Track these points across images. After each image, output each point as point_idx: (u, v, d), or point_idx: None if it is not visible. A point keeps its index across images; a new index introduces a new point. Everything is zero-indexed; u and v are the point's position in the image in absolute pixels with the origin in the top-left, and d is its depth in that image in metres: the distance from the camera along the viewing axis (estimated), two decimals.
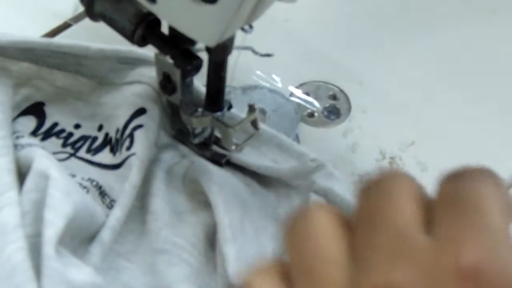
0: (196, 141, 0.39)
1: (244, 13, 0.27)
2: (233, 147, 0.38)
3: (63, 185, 0.32)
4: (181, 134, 0.40)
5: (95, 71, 0.39)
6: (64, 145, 0.39)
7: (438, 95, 0.49)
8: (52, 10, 0.50)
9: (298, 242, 0.23)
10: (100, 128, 0.39)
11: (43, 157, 0.34)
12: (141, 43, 0.32)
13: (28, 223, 0.30)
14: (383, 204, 0.21)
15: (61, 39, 0.39)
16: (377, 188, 0.22)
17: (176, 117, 0.38)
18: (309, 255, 0.22)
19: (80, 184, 0.36)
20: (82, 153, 0.38)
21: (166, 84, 0.36)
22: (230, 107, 0.37)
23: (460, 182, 0.20)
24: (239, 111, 0.39)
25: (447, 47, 0.52)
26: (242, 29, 0.31)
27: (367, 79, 0.49)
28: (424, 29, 0.54)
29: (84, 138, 0.39)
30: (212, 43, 0.28)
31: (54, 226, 0.30)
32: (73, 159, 0.38)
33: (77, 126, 0.39)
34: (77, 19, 0.49)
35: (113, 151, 0.38)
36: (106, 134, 0.39)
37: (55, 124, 0.39)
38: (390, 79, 0.49)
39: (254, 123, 0.38)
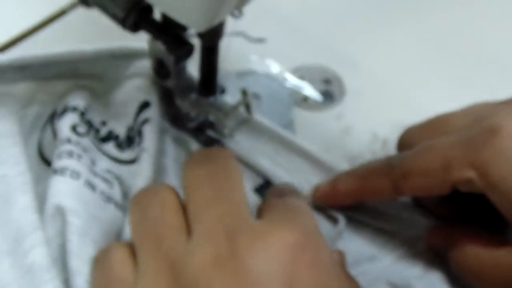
0: (191, 125, 0.40)
1: None
2: (227, 132, 0.39)
3: (78, 226, 0.31)
4: (176, 119, 0.40)
5: (93, 71, 0.40)
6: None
7: (432, 78, 0.49)
8: None
9: (146, 212, 0.29)
10: (104, 123, 0.39)
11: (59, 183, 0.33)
12: (133, 29, 0.33)
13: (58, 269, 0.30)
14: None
15: (54, 48, 0.38)
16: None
17: (171, 102, 0.39)
18: (156, 221, 0.28)
19: (104, 178, 0.35)
20: (92, 136, 0.38)
21: (159, 69, 0.37)
22: (222, 91, 0.38)
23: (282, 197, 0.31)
24: (233, 96, 0.40)
25: (440, 30, 0.53)
26: (232, 14, 0.31)
27: (361, 62, 0.49)
28: (419, 12, 0.54)
29: (90, 125, 0.38)
30: (201, 28, 0.28)
31: (81, 274, 0.30)
32: (87, 140, 0.37)
33: (86, 109, 0.39)
34: (73, 6, 0.49)
35: (120, 147, 0.38)
36: (110, 131, 0.39)
37: None
38: (384, 63, 0.49)
39: (247, 108, 0.39)
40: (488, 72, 0.49)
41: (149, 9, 0.33)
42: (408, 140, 0.36)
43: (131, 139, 0.38)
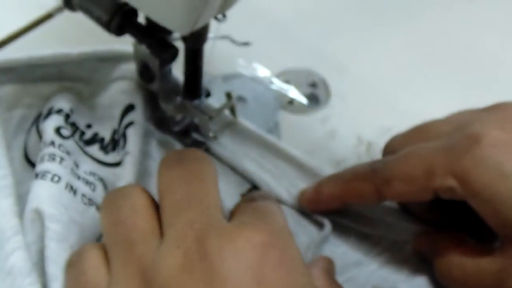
0: (176, 129, 0.40)
1: (215, 2, 0.28)
2: (211, 134, 0.39)
3: (56, 232, 0.31)
4: (161, 122, 0.41)
5: (78, 74, 0.40)
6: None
7: (417, 82, 0.49)
8: (36, 0, 0.50)
9: (117, 216, 0.29)
10: (89, 126, 0.39)
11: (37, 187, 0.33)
12: (118, 32, 0.33)
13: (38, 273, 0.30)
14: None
15: (39, 51, 0.38)
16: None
17: (156, 105, 0.39)
18: (128, 226, 0.28)
19: (86, 181, 0.35)
20: (76, 138, 0.38)
21: (144, 73, 0.37)
22: (208, 95, 0.38)
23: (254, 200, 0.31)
24: (219, 99, 0.40)
25: (427, 34, 0.53)
26: (216, 18, 0.31)
27: (347, 66, 0.49)
28: (404, 17, 0.55)
29: (75, 127, 0.38)
30: (185, 32, 0.29)
31: (57, 280, 0.30)
32: (72, 141, 0.37)
33: (71, 111, 0.39)
34: (60, 9, 0.49)
35: (105, 150, 0.38)
36: (95, 134, 0.39)
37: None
38: (369, 67, 0.50)
39: (232, 111, 0.39)
40: (475, 77, 0.50)
41: (133, 12, 0.33)
42: (393, 147, 0.37)
43: (116, 142, 0.38)
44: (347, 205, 0.37)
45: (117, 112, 0.38)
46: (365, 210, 0.38)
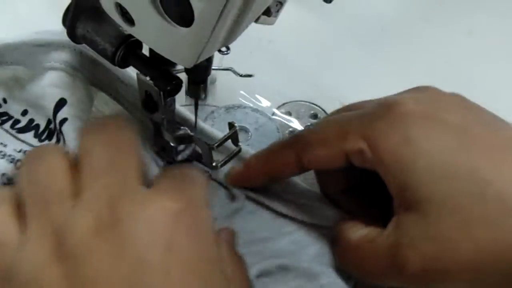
0: (179, 158, 0.40)
1: (219, 36, 0.28)
2: (214, 164, 0.39)
3: None
4: (164, 151, 0.41)
5: (15, 58, 0.39)
6: None
7: None
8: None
9: (34, 175, 0.28)
10: (25, 113, 0.39)
11: None
12: (123, 64, 0.33)
13: None
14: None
15: None
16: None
17: (159, 134, 0.39)
18: (43, 186, 0.28)
19: (12, 158, 0.35)
20: (7, 126, 0.38)
21: (148, 103, 0.37)
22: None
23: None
24: (222, 129, 0.41)
25: (427, 68, 0.54)
26: (219, 51, 0.32)
27: (347, 98, 0.50)
28: (404, 50, 0.55)
29: (7, 115, 0.38)
30: (189, 65, 0.29)
31: None
32: (0, 130, 0.37)
33: (4, 101, 0.39)
34: None
35: (39, 137, 0.38)
36: (31, 120, 0.38)
37: None
38: (369, 98, 0.50)
39: (234, 140, 0.40)
40: None
41: (137, 44, 0.34)
42: None
43: (51, 133, 0.38)
44: (274, 179, 0.37)
45: (49, 104, 0.38)
46: (291, 195, 0.38)
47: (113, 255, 0.25)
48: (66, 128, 0.37)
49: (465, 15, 0.59)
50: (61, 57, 0.39)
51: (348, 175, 0.36)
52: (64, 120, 0.38)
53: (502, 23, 0.59)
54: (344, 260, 0.34)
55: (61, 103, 0.38)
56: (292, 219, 0.38)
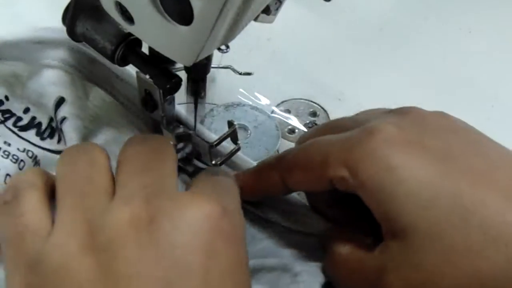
0: (179, 156, 0.41)
1: (219, 34, 0.28)
2: (214, 162, 0.39)
3: None
4: None
5: (13, 55, 0.39)
6: None
7: None
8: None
9: (74, 167, 0.28)
10: (27, 110, 0.39)
11: None
12: (122, 63, 0.33)
13: None
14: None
15: None
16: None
17: (158, 133, 0.39)
18: (83, 177, 0.28)
19: (16, 158, 0.35)
20: (10, 124, 0.38)
21: (147, 101, 0.37)
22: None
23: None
24: (221, 128, 0.41)
25: (424, 65, 0.54)
26: (219, 49, 0.32)
27: (346, 96, 0.50)
28: (403, 49, 0.56)
29: (10, 112, 0.38)
30: (188, 63, 0.29)
31: None
32: (3, 126, 0.37)
33: (6, 98, 0.39)
34: None
35: (41, 135, 0.38)
36: (33, 118, 0.39)
37: None
38: (368, 96, 0.50)
39: (233, 139, 0.40)
40: (473, 105, 0.50)
41: (137, 42, 0.34)
42: (304, 141, 0.37)
43: (53, 130, 0.38)
44: (262, 198, 0.38)
45: (50, 102, 0.38)
46: (280, 204, 0.39)
47: (149, 253, 0.25)
48: (66, 127, 0.37)
49: (464, 14, 0.59)
50: (58, 55, 0.39)
51: (335, 189, 0.36)
52: (63, 119, 0.38)
53: (501, 22, 0.59)
54: (332, 271, 0.34)
55: (60, 102, 0.38)
56: (271, 223, 0.38)
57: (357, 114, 0.37)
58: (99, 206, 0.27)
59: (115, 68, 0.40)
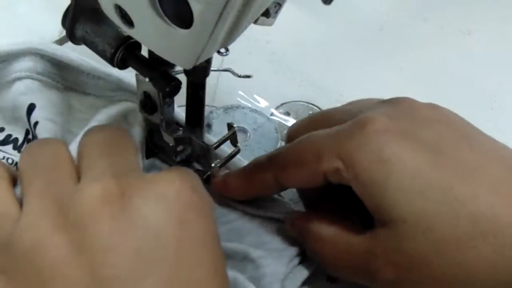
0: (178, 158, 0.40)
1: (218, 38, 0.28)
2: (213, 165, 0.39)
3: None
4: (163, 152, 0.41)
5: None
6: None
7: None
8: (38, 32, 0.51)
9: (38, 158, 0.29)
10: (1, 130, 0.40)
11: None
12: (122, 65, 0.33)
13: None
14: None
15: None
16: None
17: (158, 135, 0.39)
18: (47, 167, 0.28)
19: None
20: None
21: (147, 104, 0.37)
22: (209, 126, 0.38)
23: None
24: (220, 130, 0.41)
25: (424, 67, 0.54)
26: (219, 52, 0.32)
27: (345, 98, 0.50)
28: (403, 50, 0.56)
29: None
30: (188, 66, 0.29)
31: None
32: None
33: None
34: (62, 41, 0.50)
35: (19, 150, 0.39)
36: (9, 135, 0.39)
37: None
38: (367, 98, 0.50)
39: (233, 141, 0.40)
40: (472, 106, 0.50)
41: (136, 45, 0.34)
42: (293, 134, 0.38)
43: (30, 142, 0.39)
44: (254, 197, 0.38)
45: (23, 113, 0.39)
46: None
47: (122, 225, 0.25)
48: (38, 131, 0.38)
49: (463, 15, 0.59)
50: (24, 66, 0.39)
51: (328, 184, 0.36)
52: (35, 123, 0.38)
53: (500, 23, 0.59)
54: (318, 252, 0.34)
55: (30, 108, 0.39)
56: (235, 208, 0.38)
57: (348, 103, 0.37)
58: (67, 189, 0.27)
59: (85, 66, 0.40)
